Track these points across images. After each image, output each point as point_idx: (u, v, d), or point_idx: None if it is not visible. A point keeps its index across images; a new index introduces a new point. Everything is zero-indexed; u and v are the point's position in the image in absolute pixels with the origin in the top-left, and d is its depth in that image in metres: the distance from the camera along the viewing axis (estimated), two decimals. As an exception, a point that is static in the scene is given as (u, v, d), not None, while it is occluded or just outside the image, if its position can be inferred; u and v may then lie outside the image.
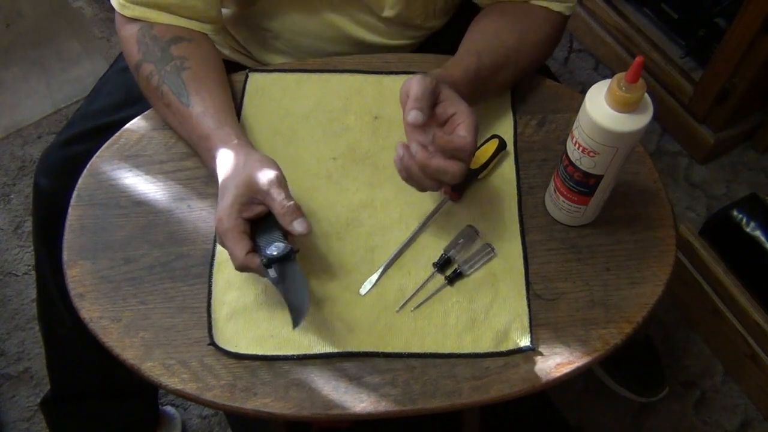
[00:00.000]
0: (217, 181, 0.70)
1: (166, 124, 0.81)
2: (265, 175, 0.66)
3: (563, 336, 0.69)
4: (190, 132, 0.75)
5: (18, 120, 1.70)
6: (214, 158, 0.72)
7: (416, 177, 0.68)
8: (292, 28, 0.90)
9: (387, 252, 0.74)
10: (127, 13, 0.78)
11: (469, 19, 0.87)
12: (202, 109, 0.74)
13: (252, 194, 0.66)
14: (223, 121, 0.74)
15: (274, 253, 0.65)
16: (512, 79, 0.83)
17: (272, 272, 0.65)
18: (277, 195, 0.65)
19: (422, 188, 0.70)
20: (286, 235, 0.67)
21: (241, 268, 0.66)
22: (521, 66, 0.81)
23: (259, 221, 0.68)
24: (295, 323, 0.65)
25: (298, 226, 0.65)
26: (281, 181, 0.67)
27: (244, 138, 0.74)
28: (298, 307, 0.66)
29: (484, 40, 0.80)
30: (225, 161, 0.70)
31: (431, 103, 0.68)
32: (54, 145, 0.92)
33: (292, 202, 0.65)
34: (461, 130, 0.67)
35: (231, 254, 0.66)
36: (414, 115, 0.66)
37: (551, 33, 0.84)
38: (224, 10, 0.88)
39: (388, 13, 0.87)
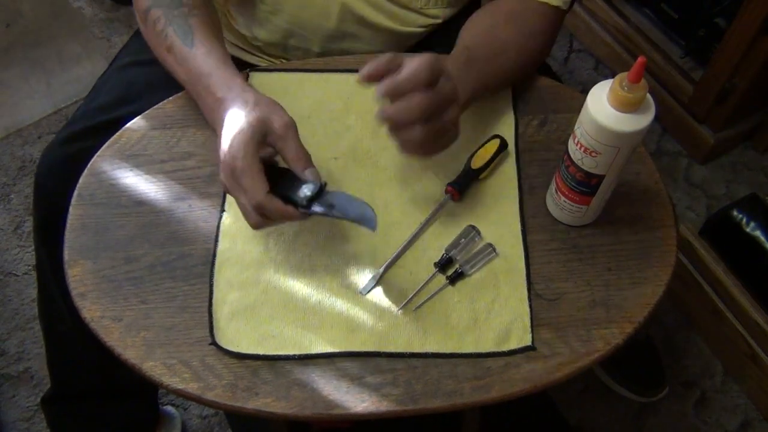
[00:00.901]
0: (217, 119, 0.69)
1: (168, 71, 0.80)
2: (282, 118, 0.66)
3: (564, 336, 0.69)
4: (188, 72, 0.75)
5: (18, 120, 1.70)
6: (214, 95, 0.71)
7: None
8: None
9: (388, 252, 0.73)
10: None
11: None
12: (206, 50, 0.74)
13: (266, 134, 0.65)
14: (227, 64, 0.74)
15: (308, 193, 0.65)
16: (513, 67, 0.81)
17: (317, 207, 0.65)
18: (293, 140, 0.65)
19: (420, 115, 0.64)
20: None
21: (258, 207, 0.63)
22: (520, 56, 0.81)
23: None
24: (372, 226, 0.65)
25: (310, 175, 0.65)
26: (295, 127, 0.66)
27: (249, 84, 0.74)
28: (362, 215, 0.65)
29: (475, 36, 0.80)
30: (232, 98, 0.69)
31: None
32: (54, 144, 0.92)
33: (304, 150, 0.65)
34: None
35: (247, 193, 0.63)
36: (380, 89, 0.64)
37: (548, 27, 0.84)
38: None
39: None
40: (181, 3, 0.78)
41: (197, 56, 0.74)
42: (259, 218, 0.65)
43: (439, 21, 0.95)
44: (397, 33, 0.93)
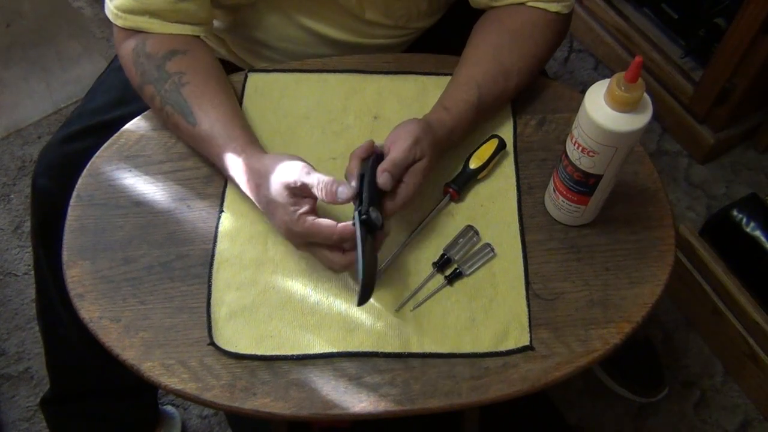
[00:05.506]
0: (245, 187, 0.72)
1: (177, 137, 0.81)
2: (290, 172, 0.68)
3: (562, 336, 0.69)
4: (206, 152, 0.76)
5: (18, 120, 1.70)
6: (233, 177, 0.73)
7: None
8: (275, 35, 0.90)
9: (387, 252, 0.73)
10: (120, 23, 0.78)
11: (466, 13, 0.86)
12: (208, 126, 0.74)
13: (292, 193, 0.68)
14: (231, 134, 0.74)
15: (372, 216, 0.66)
16: (508, 101, 0.83)
17: (359, 229, 0.66)
18: (310, 179, 0.67)
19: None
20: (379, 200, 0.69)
21: (342, 240, 0.67)
22: (519, 86, 0.81)
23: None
24: (362, 300, 0.65)
25: (342, 195, 0.67)
26: (304, 166, 0.68)
27: (254, 144, 0.74)
28: (368, 283, 0.65)
29: (483, 65, 0.80)
30: (247, 178, 0.71)
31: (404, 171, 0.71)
32: (51, 144, 0.91)
33: (325, 179, 0.67)
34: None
35: (324, 239, 0.67)
36: (385, 179, 0.69)
37: (551, 38, 0.83)
38: (216, 22, 0.88)
39: (369, 15, 0.87)
40: (168, 74, 0.76)
41: (202, 134, 0.75)
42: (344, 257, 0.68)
43: (427, 27, 0.95)
44: (385, 45, 0.93)
